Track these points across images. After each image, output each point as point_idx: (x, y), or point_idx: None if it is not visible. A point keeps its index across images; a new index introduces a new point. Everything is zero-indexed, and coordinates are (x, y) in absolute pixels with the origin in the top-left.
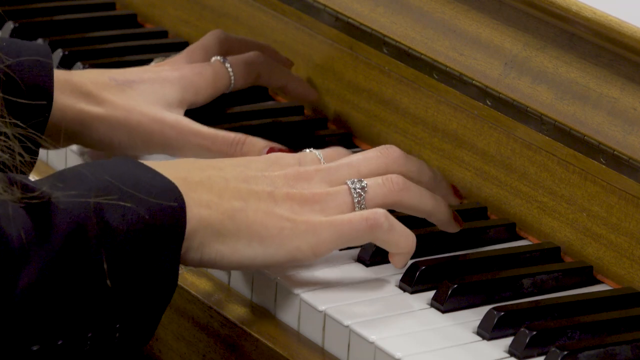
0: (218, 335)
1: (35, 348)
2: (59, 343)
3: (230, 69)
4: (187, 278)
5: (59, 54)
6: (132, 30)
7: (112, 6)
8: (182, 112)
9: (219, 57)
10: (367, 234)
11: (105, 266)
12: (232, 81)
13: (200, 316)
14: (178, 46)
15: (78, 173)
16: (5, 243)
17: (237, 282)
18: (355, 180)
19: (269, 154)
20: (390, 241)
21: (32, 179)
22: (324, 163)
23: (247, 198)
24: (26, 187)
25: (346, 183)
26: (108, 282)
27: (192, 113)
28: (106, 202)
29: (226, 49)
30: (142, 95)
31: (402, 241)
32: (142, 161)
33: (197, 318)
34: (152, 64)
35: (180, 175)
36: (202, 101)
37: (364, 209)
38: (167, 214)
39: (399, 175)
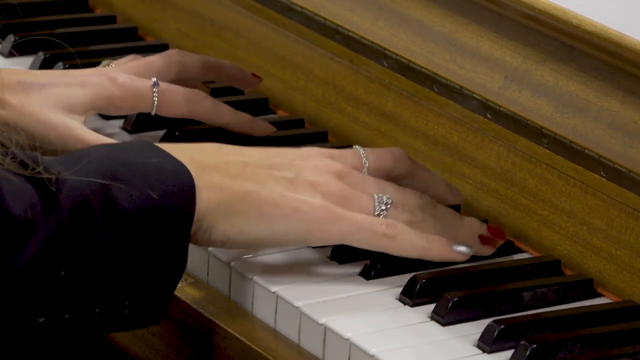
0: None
1: (41, 320)
2: (66, 317)
3: (156, 96)
4: None
5: (59, 67)
6: (132, 43)
7: (112, 19)
8: (85, 115)
9: (154, 80)
10: (383, 241)
11: (110, 243)
12: (155, 107)
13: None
14: None
15: (88, 154)
16: (11, 217)
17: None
18: (382, 195)
19: (305, 148)
20: (407, 252)
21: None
22: (365, 162)
23: (264, 181)
24: (36, 164)
25: (372, 195)
26: (112, 259)
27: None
28: (114, 181)
29: (179, 70)
30: (44, 99)
31: (417, 253)
32: (158, 144)
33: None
34: (101, 65)
35: (195, 157)
36: (115, 113)
37: None
38: (176, 196)
39: (420, 210)
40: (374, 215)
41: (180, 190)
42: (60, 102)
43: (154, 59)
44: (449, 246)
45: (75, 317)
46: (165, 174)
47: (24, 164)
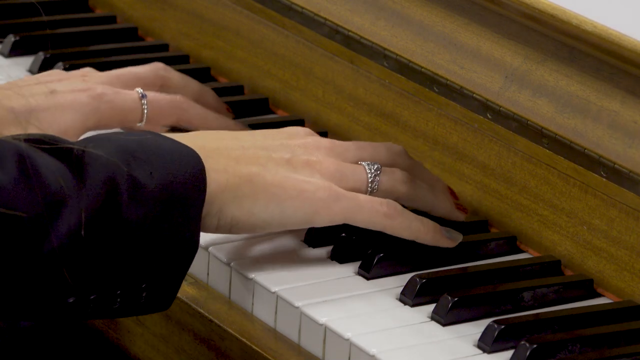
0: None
1: (71, 300)
2: (92, 297)
3: (145, 107)
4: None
5: (59, 67)
6: (132, 43)
7: (112, 19)
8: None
9: (139, 90)
10: (383, 220)
11: (132, 221)
12: (144, 119)
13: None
14: (178, 59)
15: (105, 137)
16: (47, 188)
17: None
18: (370, 162)
19: (288, 127)
20: (403, 232)
21: None
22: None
23: (265, 163)
24: (60, 142)
25: (361, 164)
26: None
27: None
28: (134, 160)
29: (161, 84)
30: (40, 127)
31: (412, 234)
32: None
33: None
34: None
35: (197, 143)
36: (105, 129)
37: (375, 190)
38: (189, 178)
39: (404, 171)
40: (368, 182)
41: (192, 174)
42: (53, 132)
43: (140, 70)
44: (440, 231)
45: (100, 298)
46: (176, 157)
47: (45, 142)
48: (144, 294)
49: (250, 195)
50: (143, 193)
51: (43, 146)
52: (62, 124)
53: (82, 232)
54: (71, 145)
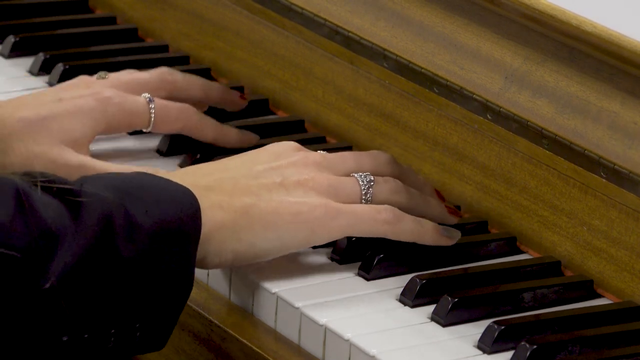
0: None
1: (65, 339)
2: (85, 336)
3: (152, 112)
4: None
5: (59, 68)
6: (132, 44)
7: (112, 20)
8: (89, 144)
9: (147, 96)
10: (383, 227)
11: (127, 259)
12: (151, 124)
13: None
14: (179, 60)
15: (99, 176)
16: (44, 226)
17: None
18: (362, 174)
19: (273, 145)
20: (404, 236)
21: None
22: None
23: (258, 192)
24: (56, 180)
25: (353, 175)
26: (131, 276)
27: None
28: (128, 198)
29: (170, 89)
30: (51, 135)
31: (413, 237)
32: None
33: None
34: (96, 76)
35: (188, 181)
36: (113, 133)
37: (369, 201)
38: (183, 216)
39: (397, 180)
40: (362, 194)
41: (188, 213)
42: (65, 139)
43: (146, 76)
44: (439, 230)
45: (94, 338)
46: (170, 196)
47: (42, 179)
48: (137, 334)
49: (247, 227)
50: (139, 231)
51: (40, 184)
52: (72, 131)
53: (78, 270)
54: (67, 185)
